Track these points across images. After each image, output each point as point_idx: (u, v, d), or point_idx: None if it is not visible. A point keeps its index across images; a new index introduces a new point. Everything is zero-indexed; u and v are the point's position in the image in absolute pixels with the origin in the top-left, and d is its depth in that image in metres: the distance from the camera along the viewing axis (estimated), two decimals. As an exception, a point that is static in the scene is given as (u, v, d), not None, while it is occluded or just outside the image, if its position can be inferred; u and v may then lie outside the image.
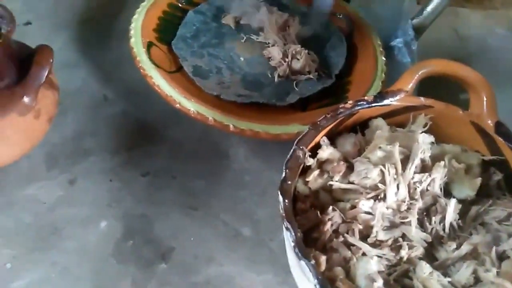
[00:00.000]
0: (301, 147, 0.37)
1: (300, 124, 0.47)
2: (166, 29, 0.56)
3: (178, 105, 0.46)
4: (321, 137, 0.39)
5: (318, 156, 0.38)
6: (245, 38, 0.58)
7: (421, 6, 0.61)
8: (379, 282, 0.30)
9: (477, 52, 0.72)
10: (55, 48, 0.44)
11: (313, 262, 0.29)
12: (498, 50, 0.73)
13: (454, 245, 0.34)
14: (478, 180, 0.37)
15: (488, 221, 0.36)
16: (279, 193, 0.33)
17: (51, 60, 0.44)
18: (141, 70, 0.49)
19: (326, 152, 0.38)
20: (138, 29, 0.53)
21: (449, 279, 0.31)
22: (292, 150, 0.36)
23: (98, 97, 0.56)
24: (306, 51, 0.55)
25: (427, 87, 0.47)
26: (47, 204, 0.45)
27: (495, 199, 0.38)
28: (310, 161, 0.38)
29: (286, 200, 0.32)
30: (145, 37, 0.52)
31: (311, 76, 0.54)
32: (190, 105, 0.46)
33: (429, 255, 0.34)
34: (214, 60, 0.55)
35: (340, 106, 0.40)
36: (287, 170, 0.35)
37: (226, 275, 0.41)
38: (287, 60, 0.55)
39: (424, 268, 0.31)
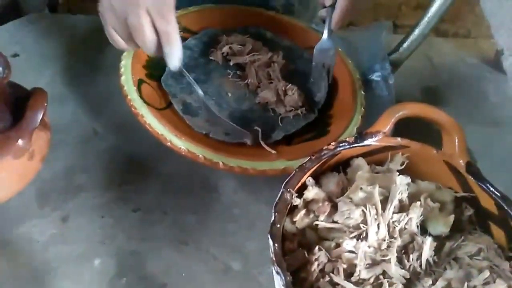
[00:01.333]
0: (288, 189, 0.39)
1: (285, 160, 0.49)
2: (156, 65, 0.58)
3: (169, 143, 0.48)
4: (307, 178, 0.42)
5: (304, 196, 0.41)
6: (231, 74, 0.60)
7: (398, 43, 0.64)
8: (363, 322, 0.32)
9: (449, 80, 0.76)
10: (44, 81, 0.45)
11: (302, 304, 0.31)
12: (469, 78, 0.77)
13: (430, 281, 0.36)
14: (451, 217, 0.40)
15: (461, 256, 0.39)
16: (269, 236, 0.35)
17: (45, 104, 0.45)
18: (132, 109, 0.51)
19: (311, 192, 0.41)
20: (128, 66, 0.54)
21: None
22: (280, 193, 0.38)
23: (88, 131, 0.57)
24: (294, 86, 0.58)
25: (404, 125, 0.50)
26: (41, 243, 0.46)
27: (467, 234, 0.41)
28: (297, 201, 0.40)
29: (276, 244, 0.34)
30: (135, 74, 0.54)
31: (298, 111, 0.57)
32: (180, 143, 0.48)
33: (408, 291, 0.37)
34: (203, 97, 0.57)
35: (324, 148, 0.42)
36: (276, 214, 0.37)
37: (217, 310, 0.43)
38: (281, 98, 0.57)
39: (404, 307, 0.34)
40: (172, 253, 0.47)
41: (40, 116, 0.44)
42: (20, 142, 0.43)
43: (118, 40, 0.48)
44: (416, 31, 0.62)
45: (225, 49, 0.61)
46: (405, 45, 0.63)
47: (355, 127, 0.54)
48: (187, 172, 0.54)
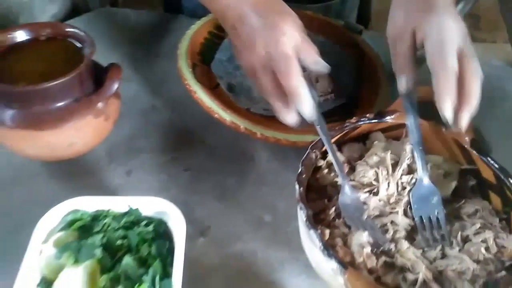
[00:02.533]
0: (314, 150, 0.47)
1: (314, 135, 0.57)
2: (208, 53, 0.68)
3: (216, 115, 0.57)
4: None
5: (327, 158, 0.49)
6: None
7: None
8: (368, 248, 0.40)
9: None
10: (110, 64, 0.56)
11: (319, 231, 0.39)
12: (492, 78, 0.82)
13: (430, 231, 0.44)
14: (454, 183, 0.47)
15: (461, 215, 0.46)
16: (296, 183, 0.43)
17: (120, 76, 0.56)
18: (187, 87, 0.60)
19: (333, 156, 0.49)
20: (184, 53, 0.64)
21: (421, 251, 0.41)
22: (307, 152, 0.47)
23: (148, 106, 0.68)
24: (326, 75, 0.65)
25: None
26: (109, 190, 0.56)
27: (467, 199, 0.48)
28: (321, 162, 0.48)
29: (301, 188, 0.43)
30: (191, 59, 0.64)
31: (328, 97, 0.65)
32: (226, 115, 0.57)
33: (410, 238, 0.44)
34: (245, 80, 0.65)
35: (347, 121, 0.50)
36: (303, 167, 0.45)
37: (250, 250, 0.51)
38: (313, 83, 0.64)
39: (404, 244, 0.41)
40: (215, 205, 0.56)
41: (116, 86, 0.55)
42: (99, 104, 0.53)
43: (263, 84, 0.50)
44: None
45: None
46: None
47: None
48: (229, 143, 0.63)
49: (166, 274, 0.41)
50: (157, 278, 0.40)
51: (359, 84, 0.68)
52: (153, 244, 0.43)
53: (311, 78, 0.65)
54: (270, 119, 0.60)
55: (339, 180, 0.46)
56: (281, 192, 0.58)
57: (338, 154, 0.49)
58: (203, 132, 0.64)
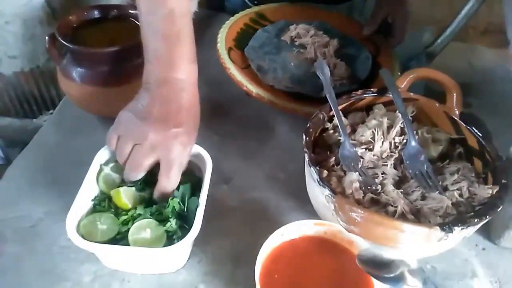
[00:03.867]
0: (322, 112, 0.57)
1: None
2: (241, 40, 0.79)
3: (245, 88, 0.68)
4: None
5: (334, 122, 0.58)
6: (296, 51, 0.79)
7: (433, 37, 0.79)
8: (356, 184, 0.48)
9: (484, 79, 0.88)
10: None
11: (318, 168, 0.48)
12: (505, 80, 0.88)
13: (414, 182, 0.52)
14: (440, 148, 0.55)
15: (445, 172, 0.54)
16: (304, 133, 0.53)
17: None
18: (223, 65, 0.71)
19: (339, 119, 0.58)
20: (223, 38, 0.76)
21: (402, 191, 0.49)
22: (316, 112, 0.56)
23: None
24: (343, 62, 0.75)
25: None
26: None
27: (453, 162, 0.55)
28: (328, 125, 0.58)
29: (307, 138, 0.52)
30: (227, 43, 0.76)
31: (343, 81, 0.74)
32: (253, 88, 0.68)
33: (397, 187, 0.52)
34: (272, 63, 0.75)
35: (353, 92, 0.60)
36: (311, 122, 0.55)
37: (264, 198, 0.61)
38: (334, 72, 0.74)
39: (389, 187, 0.50)
40: (238, 162, 0.66)
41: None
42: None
43: (113, 143, 0.52)
44: (448, 30, 0.77)
45: (293, 33, 0.80)
46: (439, 40, 0.78)
47: None
48: (254, 115, 0.73)
49: (194, 195, 0.51)
50: (186, 196, 0.50)
51: (372, 74, 0.76)
52: (184, 176, 0.54)
53: (329, 64, 0.75)
54: (290, 95, 0.70)
55: (341, 137, 0.55)
56: (294, 156, 0.67)
57: (343, 119, 0.58)
58: (232, 106, 0.75)
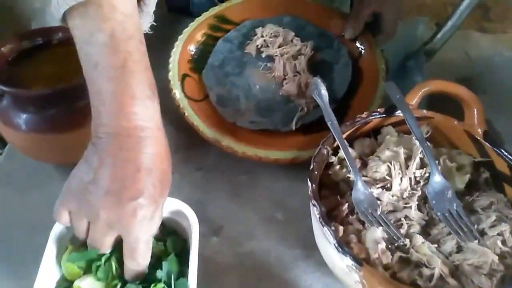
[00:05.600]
0: (325, 147, 0.47)
1: (296, 150, 0.56)
2: (199, 59, 0.67)
3: (200, 132, 0.58)
4: (342, 140, 0.49)
5: (339, 154, 0.49)
6: (262, 66, 0.67)
7: (432, 32, 0.71)
8: (383, 244, 0.40)
9: (485, 71, 0.80)
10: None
11: (333, 228, 0.39)
12: (505, 70, 0.81)
13: (444, 224, 0.43)
14: (467, 176, 0.47)
15: (475, 208, 0.46)
16: (308, 180, 0.43)
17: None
18: (175, 101, 0.61)
19: (345, 151, 0.49)
20: (176, 62, 0.64)
21: (436, 246, 0.41)
22: (318, 148, 0.47)
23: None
24: (317, 78, 0.59)
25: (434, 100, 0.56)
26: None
27: (482, 192, 0.47)
28: (333, 158, 0.48)
29: (313, 185, 0.43)
30: (181, 69, 0.63)
31: (317, 103, 0.60)
32: (209, 132, 0.58)
33: (424, 233, 0.44)
34: (234, 89, 0.64)
35: (357, 116, 0.50)
36: (314, 163, 0.45)
37: (264, 248, 0.51)
38: (303, 91, 0.63)
39: (418, 239, 0.41)
40: (228, 203, 0.56)
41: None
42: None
43: (64, 218, 0.40)
44: (449, 23, 0.68)
45: (259, 41, 0.68)
46: (439, 35, 0.69)
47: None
48: (241, 141, 0.63)
49: (181, 273, 0.41)
50: (173, 276, 0.40)
51: (354, 84, 0.64)
52: (168, 240, 0.44)
53: (300, 83, 0.63)
54: (256, 132, 0.59)
55: (352, 175, 0.46)
56: (292, 189, 0.58)
57: (350, 149, 0.49)
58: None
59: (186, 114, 0.59)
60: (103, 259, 0.41)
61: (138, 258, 0.39)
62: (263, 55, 0.68)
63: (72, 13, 0.37)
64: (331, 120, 0.48)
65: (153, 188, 0.38)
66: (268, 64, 0.67)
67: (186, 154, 0.62)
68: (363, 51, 0.68)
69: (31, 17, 0.76)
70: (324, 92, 0.52)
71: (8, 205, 0.55)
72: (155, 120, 0.39)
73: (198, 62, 0.67)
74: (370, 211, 0.43)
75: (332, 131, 0.47)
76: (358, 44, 0.68)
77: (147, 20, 0.44)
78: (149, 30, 0.45)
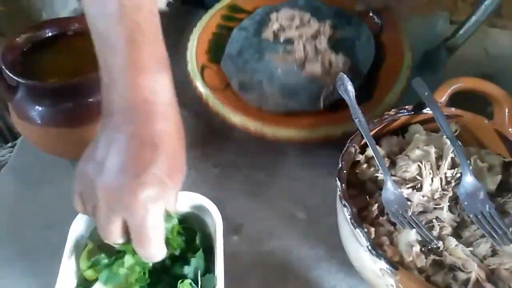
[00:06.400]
0: (353, 145, 0.46)
1: (328, 126, 0.54)
2: (216, 50, 0.65)
3: (227, 119, 0.56)
4: (369, 138, 0.48)
5: (366, 153, 0.47)
6: (281, 50, 0.64)
7: (454, 28, 0.69)
8: (417, 247, 0.38)
9: (505, 69, 0.79)
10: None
11: (365, 230, 0.38)
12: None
13: (476, 227, 0.42)
14: (499, 177, 0.45)
15: (508, 210, 0.44)
16: (337, 179, 0.42)
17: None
18: (197, 91, 0.59)
19: (372, 150, 0.47)
20: (193, 54, 0.63)
21: (471, 249, 0.39)
22: (346, 147, 0.45)
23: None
24: (340, 56, 0.61)
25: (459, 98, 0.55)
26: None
27: (512, 192, 0.46)
28: (360, 157, 0.47)
29: (343, 185, 0.41)
30: (199, 60, 0.62)
31: None
32: (236, 118, 0.55)
33: (456, 235, 0.42)
34: (256, 75, 0.61)
35: (385, 113, 0.49)
36: (343, 162, 0.44)
37: (285, 247, 0.50)
38: (330, 71, 0.60)
39: (452, 241, 0.40)
40: (246, 201, 0.55)
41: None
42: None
43: (78, 205, 0.38)
44: (473, 18, 0.66)
45: (275, 26, 0.66)
46: (461, 31, 0.67)
47: (400, 90, 0.56)
48: (258, 139, 0.62)
49: (206, 270, 0.40)
50: (199, 271, 0.39)
51: (377, 58, 0.62)
52: (197, 235, 0.42)
53: (324, 62, 0.61)
54: (283, 116, 0.58)
55: (381, 175, 0.44)
56: (312, 187, 0.56)
57: (378, 148, 0.47)
58: (230, 127, 0.63)
59: (210, 103, 0.57)
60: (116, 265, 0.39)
61: (147, 245, 0.36)
62: (281, 39, 0.66)
63: None
64: (358, 117, 0.47)
65: (158, 166, 0.35)
66: (288, 47, 0.64)
67: (202, 151, 0.60)
68: (382, 26, 0.65)
69: (41, 8, 0.74)
70: (350, 87, 0.50)
71: (21, 201, 0.53)
72: (166, 95, 0.37)
73: (215, 52, 0.65)
74: (400, 212, 0.42)
75: (360, 129, 0.46)
76: (376, 20, 0.66)
77: None
78: (165, 7, 0.43)
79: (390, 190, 0.43)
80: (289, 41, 0.65)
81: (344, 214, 0.40)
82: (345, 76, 0.51)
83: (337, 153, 0.45)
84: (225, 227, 0.51)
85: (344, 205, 0.39)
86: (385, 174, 0.43)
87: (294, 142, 0.55)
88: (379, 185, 0.46)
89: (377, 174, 0.45)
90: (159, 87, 0.36)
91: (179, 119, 0.39)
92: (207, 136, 0.62)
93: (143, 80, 0.35)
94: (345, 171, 0.43)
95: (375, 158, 0.44)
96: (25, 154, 0.57)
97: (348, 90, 0.50)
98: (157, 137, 0.35)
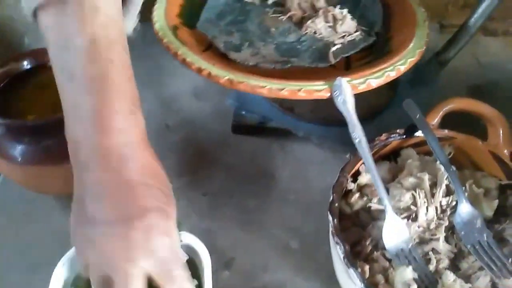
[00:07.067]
0: (344, 174, 0.44)
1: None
2: (189, 15, 0.57)
3: (224, 79, 0.45)
4: (360, 165, 0.46)
5: (358, 181, 0.46)
6: (271, 11, 0.58)
7: (445, 37, 0.67)
8: (414, 286, 0.37)
9: (497, 79, 0.77)
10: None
11: (359, 270, 0.36)
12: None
13: (474, 258, 0.40)
14: (495, 202, 0.44)
15: (506, 237, 0.43)
16: (328, 213, 0.40)
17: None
18: (171, 50, 0.49)
19: (365, 178, 0.46)
20: (162, 15, 0.54)
21: (470, 285, 0.38)
22: (337, 177, 0.44)
23: (161, 126, 0.65)
24: (347, 12, 0.55)
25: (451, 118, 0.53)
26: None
27: (511, 218, 0.45)
28: (352, 186, 0.45)
29: (335, 220, 0.40)
30: (170, 21, 0.53)
31: (354, 36, 0.54)
32: (224, 73, 0.45)
33: (454, 267, 0.41)
34: (244, 34, 0.54)
35: (376, 138, 0.47)
36: (334, 194, 0.42)
37: (279, 281, 0.48)
38: (335, 27, 0.55)
39: (449, 276, 0.38)
40: (238, 231, 0.53)
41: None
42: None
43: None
44: (463, 33, 0.64)
45: None
46: (452, 44, 0.66)
47: (422, 41, 0.52)
48: (247, 160, 0.60)
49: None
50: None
51: (384, 18, 0.59)
52: None
53: (327, 18, 0.56)
54: (286, 74, 0.48)
55: (375, 205, 0.43)
56: (306, 213, 0.55)
57: (369, 175, 0.46)
58: (219, 150, 0.62)
59: (189, 60, 0.47)
60: None
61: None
62: (269, 2, 0.60)
63: (46, 10, 0.32)
64: (359, 137, 0.43)
65: (158, 200, 0.34)
66: (279, 8, 0.59)
67: (191, 178, 0.58)
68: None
69: (24, 32, 0.72)
70: (350, 98, 0.44)
71: (4, 239, 0.52)
72: (139, 132, 0.35)
73: (188, 18, 0.57)
74: (402, 246, 0.40)
75: (359, 150, 0.43)
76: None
77: (131, 22, 0.40)
78: (133, 33, 0.41)
79: (390, 222, 0.41)
80: (279, 5, 0.59)
81: (337, 251, 0.38)
82: (344, 80, 0.45)
83: (332, 176, 0.44)
84: (216, 262, 0.49)
85: (337, 243, 0.38)
86: (387, 206, 0.41)
87: (303, 99, 0.45)
88: (372, 215, 0.44)
89: (370, 204, 0.44)
90: (131, 127, 0.34)
91: (153, 151, 0.37)
92: (195, 162, 0.60)
93: (116, 123, 0.33)
94: (336, 204, 0.41)
95: (379, 191, 0.41)
96: (8, 190, 0.56)
97: (347, 101, 0.44)
98: (141, 173, 0.33)
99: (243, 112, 0.62)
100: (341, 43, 0.54)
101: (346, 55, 0.52)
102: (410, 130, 0.48)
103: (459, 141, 0.48)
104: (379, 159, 0.49)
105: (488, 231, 0.41)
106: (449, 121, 0.50)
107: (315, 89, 0.45)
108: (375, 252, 0.41)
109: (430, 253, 0.41)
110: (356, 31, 0.55)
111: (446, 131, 0.48)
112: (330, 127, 0.61)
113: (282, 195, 0.57)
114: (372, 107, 0.63)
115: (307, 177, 0.59)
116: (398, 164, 0.48)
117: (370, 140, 0.47)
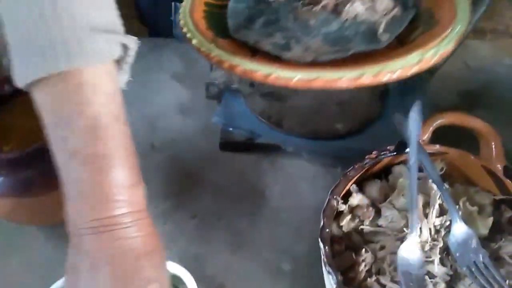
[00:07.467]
0: (334, 197, 0.43)
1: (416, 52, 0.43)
2: (215, 26, 0.53)
3: (293, 82, 0.42)
4: (351, 185, 0.45)
5: (349, 202, 0.44)
6: (300, 4, 0.54)
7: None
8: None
9: (487, 83, 0.77)
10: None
11: (353, 301, 0.35)
12: (507, 79, 0.78)
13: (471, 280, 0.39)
14: (490, 220, 0.43)
15: (502, 256, 0.42)
16: (319, 240, 0.39)
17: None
18: (224, 64, 0.45)
19: (356, 198, 0.44)
20: (193, 30, 0.50)
21: (469, 311, 0.37)
22: (327, 200, 0.42)
23: (146, 146, 0.63)
24: None
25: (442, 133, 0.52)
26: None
27: (506, 235, 0.43)
28: (343, 207, 0.44)
29: (327, 247, 0.38)
30: (206, 36, 0.50)
31: (394, 12, 0.51)
32: (293, 74, 0.42)
33: (450, 290, 0.40)
34: (285, 33, 0.50)
35: (366, 157, 0.46)
36: (325, 219, 0.41)
37: (272, 307, 0.47)
38: (375, 7, 0.51)
39: (447, 302, 0.37)
40: (228, 255, 0.51)
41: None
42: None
43: None
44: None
45: None
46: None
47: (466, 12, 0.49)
48: (236, 180, 0.59)
49: None
50: None
51: None
52: None
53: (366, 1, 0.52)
54: (342, 64, 0.44)
55: (367, 227, 0.42)
56: (298, 232, 0.53)
57: (360, 196, 0.45)
58: (207, 169, 0.60)
59: (247, 69, 0.44)
60: None
61: None
62: None
63: (42, 87, 0.32)
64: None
65: (158, 270, 0.35)
66: (306, 1, 0.54)
67: (178, 200, 0.57)
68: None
69: (2, 54, 0.70)
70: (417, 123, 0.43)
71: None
72: (140, 204, 0.35)
73: (217, 28, 0.53)
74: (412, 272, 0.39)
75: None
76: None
77: (124, 77, 0.39)
78: (125, 86, 0.40)
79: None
80: None
81: (329, 281, 0.37)
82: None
83: (323, 193, 0.43)
84: (205, 289, 0.48)
85: (329, 272, 0.37)
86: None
87: (362, 85, 0.41)
88: (365, 238, 0.43)
89: (362, 226, 0.43)
90: (133, 199, 0.34)
91: (151, 220, 0.36)
92: (182, 183, 0.59)
93: (119, 196, 0.33)
94: (327, 230, 0.40)
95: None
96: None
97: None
98: (144, 244, 0.34)
99: (230, 129, 0.61)
100: (385, 21, 0.50)
101: (399, 31, 0.48)
102: (401, 147, 0.47)
103: (451, 156, 0.47)
104: (371, 177, 0.47)
105: (484, 250, 0.40)
106: (440, 134, 0.49)
107: (405, 66, 0.41)
108: (368, 278, 0.39)
109: (426, 277, 0.39)
110: (394, 7, 0.52)
111: (437, 146, 0.47)
112: (319, 141, 0.61)
113: (273, 214, 0.56)
114: (364, 118, 0.62)
115: (299, 194, 0.57)
116: (390, 182, 0.47)
117: (360, 160, 0.46)
